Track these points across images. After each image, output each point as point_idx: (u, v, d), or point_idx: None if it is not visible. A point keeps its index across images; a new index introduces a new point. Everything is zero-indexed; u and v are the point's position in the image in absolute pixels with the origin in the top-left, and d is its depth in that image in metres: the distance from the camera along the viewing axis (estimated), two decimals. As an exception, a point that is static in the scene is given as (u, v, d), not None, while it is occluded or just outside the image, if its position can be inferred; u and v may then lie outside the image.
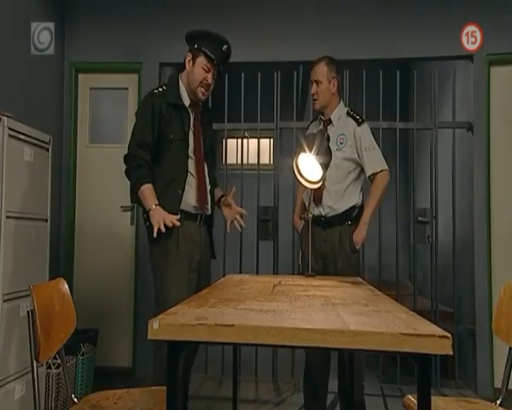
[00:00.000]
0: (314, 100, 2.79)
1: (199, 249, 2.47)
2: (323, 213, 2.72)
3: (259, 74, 3.79)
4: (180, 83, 2.51)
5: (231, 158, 4.51)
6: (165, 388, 1.24)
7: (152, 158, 2.41)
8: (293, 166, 2.44)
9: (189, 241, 2.42)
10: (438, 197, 3.74)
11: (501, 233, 3.61)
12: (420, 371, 1.08)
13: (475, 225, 3.62)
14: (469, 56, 3.68)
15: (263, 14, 3.90)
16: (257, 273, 3.70)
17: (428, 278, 3.97)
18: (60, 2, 3.87)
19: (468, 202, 3.72)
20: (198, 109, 2.55)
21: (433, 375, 3.55)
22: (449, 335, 1.04)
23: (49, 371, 2.82)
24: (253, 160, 5.28)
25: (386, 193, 2.73)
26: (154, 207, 2.30)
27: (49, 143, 2.80)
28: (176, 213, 2.33)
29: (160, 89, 2.49)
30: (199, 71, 2.45)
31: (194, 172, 2.46)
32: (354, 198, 2.73)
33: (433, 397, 1.16)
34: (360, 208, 2.74)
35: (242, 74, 3.80)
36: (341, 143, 2.71)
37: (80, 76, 4.03)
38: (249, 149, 5.63)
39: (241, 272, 3.64)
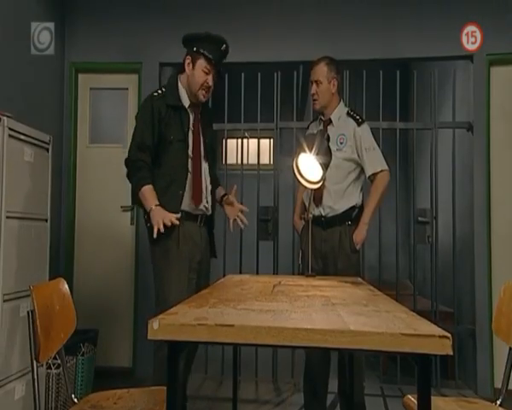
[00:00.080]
0: (314, 100, 2.79)
1: (199, 250, 2.48)
2: (323, 214, 2.72)
3: (259, 74, 3.79)
4: (179, 84, 2.52)
5: (231, 158, 4.51)
6: (165, 388, 1.24)
7: (152, 160, 2.42)
8: (293, 166, 2.45)
9: (189, 241, 2.42)
10: (438, 197, 3.74)
11: (501, 233, 3.61)
12: (420, 372, 1.08)
13: (475, 226, 3.62)
14: (469, 56, 3.68)
15: (263, 14, 3.90)
16: (257, 273, 3.70)
17: (428, 278, 3.97)
18: (60, 2, 3.87)
19: (468, 203, 3.72)
20: (198, 109, 2.55)
21: (433, 375, 3.55)
22: (449, 335, 1.04)
23: (49, 371, 2.82)
24: (253, 160, 5.28)
25: (386, 193, 2.73)
26: (153, 207, 2.31)
27: (49, 144, 2.80)
28: (176, 212, 2.34)
29: (160, 91, 2.50)
30: (199, 74, 2.46)
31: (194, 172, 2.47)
32: (354, 198, 2.73)
33: (433, 397, 1.16)
34: (360, 209, 2.74)
35: (242, 74, 3.80)
36: (341, 144, 2.71)
37: (80, 76, 4.03)
38: (249, 150, 5.63)
39: (241, 273, 3.63)
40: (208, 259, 2.61)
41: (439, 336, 1.04)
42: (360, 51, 3.80)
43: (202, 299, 1.55)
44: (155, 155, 2.43)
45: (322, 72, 2.73)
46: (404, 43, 3.78)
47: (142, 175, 2.38)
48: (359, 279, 2.36)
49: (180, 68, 2.55)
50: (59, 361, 2.71)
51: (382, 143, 3.45)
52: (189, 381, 2.62)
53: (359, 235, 2.67)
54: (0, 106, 2.59)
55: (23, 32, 3.31)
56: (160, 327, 1.15)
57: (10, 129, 2.38)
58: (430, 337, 1.04)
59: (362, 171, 2.75)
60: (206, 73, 2.46)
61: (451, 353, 1.04)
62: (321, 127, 2.80)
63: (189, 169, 2.45)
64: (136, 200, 2.44)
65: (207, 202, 2.53)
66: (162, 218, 2.27)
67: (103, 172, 3.94)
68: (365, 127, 2.73)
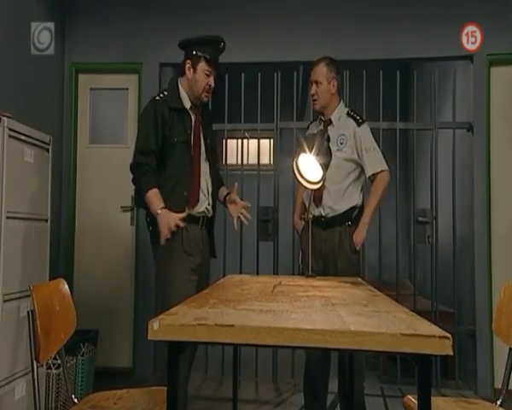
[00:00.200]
0: (314, 100, 2.79)
1: (200, 251, 2.49)
2: (323, 214, 2.72)
3: (259, 75, 3.79)
4: (180, 87, 2.53)
5: (231, 158, 4.51)
6: (165, 388, 1.24)
7: (157, 163, 2.43)
8: (293, 166, 2.44)
9: (191, 243, 2.43)
10: (438, 198, 3.74)
11: (501, 233, 3.61)
12: (420, 372, 1.08)
13: (475, 226, 3.62)
14: (469, 57, 3.68)
15: (263, 14, 3.90)
16: (257, 274, 3.70)
17: (428, 279, 3.97)
18: (60, 2, 3.87)
19: (469, 203, 3.72)
20: (198, 111, 2.56)
21: (433, 375, 3.55)
22: (449, 335, 1.04)
23: (49, 371, 2.82)
24: (253, 160, 5.28)
25: (386, 193, 2.73)
26: (159, 211, 2.33)
27: (49, 144, 2.80)
28: (182, 211, 2.35)
29: (162, 95, 2.51)
30: (202, 77, 2.48)
31: None
32: (354, 199, 2.73)
33: (433, 398, 1.16)
34: (360, 209, 2.74)
35: (242, 75, 3.80)
36: (341, 144, 2.71)
37: (80, 76, 4.03)
38: (249, 150, 5.64)
39: (241, 273, 3.63)
40: (208, 260, 2.61)
41: (440, 337, 1.04)
42: (360, 51, 3.80)
43: (202, 299, 1.55)
44: (160, 159, 2.44)
45: (321, 72, 2.73)
46: (404, 44, 3.78)
47: (148, 179, 2.39)
48: (359, 280, 2.36)
49: (180, 71, 2.56)
50: (59, 361, 2.71)
51: (382, 144, 3.45)
52: (189, 381, 2.62)
53: (359, 235, 2.67)
54: (0, 106, 2.60)
55: (23, 32, 3.31)
56: (160, 327, 1.15)
57: (10, 129, 2.38)
58: (430, 338, 1.04)
59: (362, 171, 2.74)
60: (208, 75, 2.48)
61: (451, 353, 1.04)
62: (321, 127, 2.80)
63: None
64: (140, 203, 2.45)
65: (209, 203, 2.53)
66: (168, 223, 2.30)
67: (103, 173, 3.95)
68: (365, 127, 2.73)
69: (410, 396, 1.84)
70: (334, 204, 2.70)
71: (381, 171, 2.68)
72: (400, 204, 3.88)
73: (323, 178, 2.39)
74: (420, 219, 3.74)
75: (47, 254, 2.78)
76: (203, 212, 2.50)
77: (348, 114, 2.76)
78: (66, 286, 1.89)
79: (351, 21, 3.83)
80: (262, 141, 4.17)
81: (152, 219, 2.43)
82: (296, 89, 3.97)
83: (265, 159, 6.34)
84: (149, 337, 1.15)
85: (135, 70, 3.94)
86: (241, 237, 3.78)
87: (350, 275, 2.52)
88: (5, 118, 2.34)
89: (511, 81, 3.67)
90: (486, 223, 3.60)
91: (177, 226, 2.31)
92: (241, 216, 2.59)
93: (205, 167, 2.54)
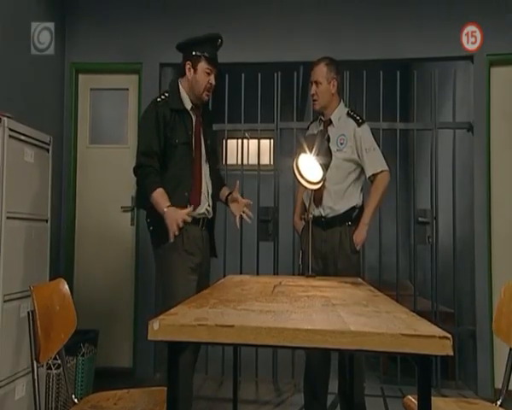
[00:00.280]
0: (314, 100, 2.79)
1: (200, 251, 2.49)
2: (324, 214, 2.72)
3: (260, 75, 3.79)
4: (180, 88, 2.53)
5: (231, 159, 4.51)
6: (165, 388, 1.24)
7: (160, 164, 2.43)
8: (293, 166, 2.44)
9: (192, 242, 2.43)
10: (438, 198, 3.74)
11: (501, 234, 3.60)
12: (420, 372, 1.07)
13: (476, 226, 3.62)
14: (470, 57, 3.68)
15: (263, 14, 3.90)
16: (257, 274, 3.70)
17: (429, 279, 3.97)
18: (60, 2, 3.87)
19: (469, 203, 3.72)
20: (199, 112, 2.57)
21: (433, 376, 3.55)
22: (449, 335, 1.04)
23: (49, 371, 2.82)
24: (253, 160, 5.28)
25: (386, 194, 2.72)
26: (166, 209, 2.32)
27: (49, 144, 2.80)
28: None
29: (163, 96, 2.52)
30: (202, 77, 2.48)
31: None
32: (354, 199, 2.73)
33: (433, 398, 1.16)
34: (360, 209, 2.74)
35: (242, 75, 3.80)
36: (341, 144, 2.70)
37: (81, 76, 4.03)
38: (249, 150, 5.64)
39: (241, 273, 3.63)
40: (209, 259, 2.62)
41: (440, 337, 1.04)
42: (360, 52, 3.80)
43: (202, 299, 1.54)
44: (162, 160, 2.44)
45: (321, 72, 2.73)
46: (404, 44, 3.78)
47: (152, 180, 2.39)
48: (359, 280, 2.36)
49: (180, 72, 2.56)
50: (59, 362, 2.71)
51: (382, 144, 3.44)
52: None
53: (359, 235, 2.67)
54: (0, 106, 2.60)
55: (23, 32, 3.31)
56: (160, 328, 1.15)
57: (10, 129, 2.38)
58: (430, 338, 1.04)
59: (362, 171, 2.74)
60: (209, 74, 2.49)
61: (452, 353, 1.03)
62: (321, 128, 2.80)
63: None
64: (141, 204, 2.45)
65: (209, 205, 2.53)
66: (176, 219, 2.28)
67: (103, 173, 3.95)
68: (365, 128, 2.73)
69: (410, 397, 1.84)
70: (335, 204, 2.70)
71: (381, 171, 2.68)
72: (400, 204, 3.88)
73: (323, 179, 2.39)
74: (420, 219, 3.74)
75: (47, 255, 2.78)
76: (203, 213, 2.50)
77: (348, 114, 2.76)
78: (67, 286, 1.89)
79: (351, 21, 3.83)
80: (262, 141, 4.17)
81: (152, 220, 2.43)
82: (296, 89, 3.97)
83: (265, 159, 6.35)
84: (149, 338, 1.15)
85: (135, 70, 3.94)
86: (241, 238, 3.78)
87: (350, 275, 2.52)
88: (5, 118, 2.34)
89: (511, 81, 3.66)
90: (487, 223, 3.60)
91: (185, 222, 2.31)
92: (244, 214, 2.58)
93: (205, 169, 2.54)
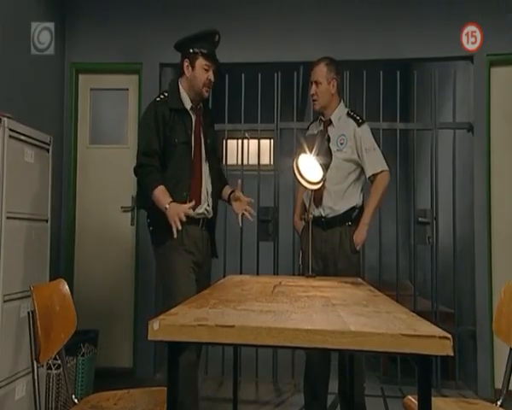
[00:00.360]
0: (314, 100, 2.79)
1: (199, 251, 2.49)
2: (324, 214, 2.72)
3: (260, 75, 3.78)
4: (180, 87, 2.53)
5: (232, 159, 4.51)
6: (165, 388, 1.24)
7: (160, 164, 2.43)
8: (293, 166, 2.44)
9: (191, 242, 2.43)
10: (438, 198, 3.74)
11: (501, 234, 3.60)
12: (420, 372, 1.07)
13: (476, 226, 3.62)
14: (470, 57, 3.68)
15: (263, 14, 3.90)
16: (257, 274, 3.69)
17: (429, 279, 3.97)
18: (60, 2, 3.87)
19: (469, 203, 3.72)
20: (199, 111, 2.56)
21: (433, 376, 3.55)
22: (449, 336, 1.04)
23: (49, 371, 2.82)
24: (253, 160, 5.28)
25: (386, 194, 2.72)
26: (167, 206, 2.31)
27: (49, 144, 2.80)
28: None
29: (162, 96, 2.52)
30: (201, 73, 2.47)
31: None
32: (354, 199, 2.73)
33: (433, 398, 1.16)
34: (360, 209, 2.74)
35: (243, 75, 3.80)
36: (341, 144, 2.70)
37: (81, 77, 4.03)
38: (249, 150, 5.64)
39: (241, 273, 3.63)
40: (209, 260, 2.61)
41: (440, 337, 1.04)
42: (360, 52, 3.80)
43: (202, 300, 1.54)
44: (162, 160, 2.43)
45: (321, 72, 2.73)
46: (404, 44, 3.78)
47: (153, 178, 2.39)
48: (359, 280, 2.36)
49: (179, 71, 2.56)
50: (59, 362, 2.70)
51: (382, 144, 3.44)
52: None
53: (359, 235, 2.67)
54: (0, 106, 2.60)
55: (23, 32, 3.31)
56: (160, 328, 1.14)
57: (11, 130, 2.38)
58: (430, 338, 1.04)
59: (362, 171, 2.74)
60: (207, 70, 2.48)
61: (452, 353, 1.03)
62: (321, 128, 2.80)
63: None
64: (142, 204, 2.45)
65: (208, 204, 2.52)
66: (178, 214, 2.26)
67: (103, 173, 3.95)
68: (365, 128, 2.73)
69: (410, 397, 1.84)
70: (335, 204, 2.70)
71: (381, 171, 2.68)
72: (400, 204, 3.88)
73: (323, 179, 2.39)
74: (420, 219, 3.74)
75: (47, 255, 2.78)
76: (202, 213, 2.49)
77: (348, 114, 2.76)
78: (67, 286, 1.89)
79: (351, 21, 3.83)
80: (262, 141, 4.17)
81: (153, 220, 2.43)
82: (296, 89, 3.97)
83: (266, 159, 6.35)
84: (149, 338, 1.15)
85: (135, 70, 3.94)
86: (241, 238, 3.77)
87: (350, 275, 2.52)
88: (5, 118, 2.34)
89: (511, 81, 3.66)
90: (487, 223, 3.60)
91: (187, 216, 2.28)
92: (246, 213, 2.57)
93: (205, 168, 2.54)
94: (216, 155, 2.69)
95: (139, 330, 3.76)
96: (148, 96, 2.99)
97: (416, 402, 1.70)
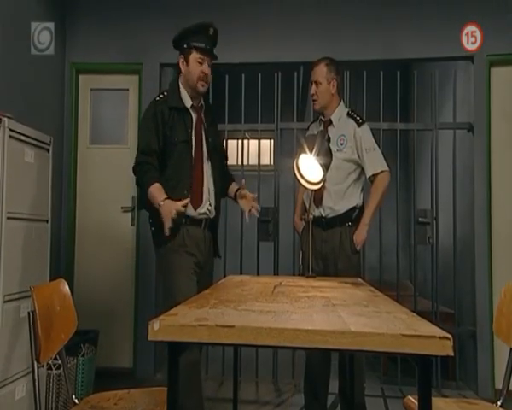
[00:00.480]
0: (314, 100, 2.79)
1: (201, 252, 2.47)
2: (324, 214, 2.72)
3: (260, 75, 3.78)
4: (180, 86, 2.52)
5: (232, 159, 4.47)
6: (165, 388, 1.24)
7: (159, 163, 2.42)
8: (293, 166, 2.44)
9: (193, 243, 2.42)
10: (438, 198, 3.74)
11: (502, 234, 3.60)
12: (420, 373, 1.07)
13: (476, 226, 3.62)
14: (470, 57, 3.68)
15: (263, 14, 3.90)
16: (257, 274, 3.69)
17: (429, 279, 3.97)
18: (60, 2, 3.87)
19: (469, 203, 3.72)
20: (200, 109, 2.55)
21: (433, 376, 3.55)
22: (449, 336, 1.04)
23: (49, 371, 2.81)
24: (253, 160, 5.28)
25: (386, 194, 2.72)
26: (161, 203, 2.29)
27: (49, 144, 2.80)
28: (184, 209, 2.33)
29: (161, 95, 2.51)
30: (194, 66, 2.46)
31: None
32: (354, 199, 2.73)
33: (433, 398, 1.16)
34: (360, 209, 2.74)
35: (243, 75, 3.80)
36: (342, 144, 2.70)
37: (81, 77, 4.03)
38: (250, 150, 5.63)
39: (241, 273, 3.63)
40: (212, 261, 2.60)
41: (440, 337, 1.04)
42: (360, 52, 3.80)
43: (203, 300, 1.54)
44: (162, 159, 2.42)
45: (321, 72, 2.74)
46: (404, 44, 3.78)
47: (150, 175, 2.38)
48: (360, 280, 2.36)
49: (179, 70, 2.56)
50: (59, 362, 2.70)
51: (383, 144, 3.44)
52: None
53: (360, 236, 2.67)
54: (0, 106, 2.60)
55: (23, 32, 3.31)
56: (160, 328, 1.14)
57: (11, 130, 2.38)
58: (431, 338, 1.04)
59: (362, 171, 2.74)
60: (201, 63, 2.46)
61: (452, 354, 1.03)
62: (321, 128, 2.80)
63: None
64: (144, 205, 2.43)
65: (210, 204, 2.50)
66: (170, 212, 2.24)
67: (104, 173, 3.95)
68: (365, 128, 2.73)
69: (410, 397, 1.84)
70: (335, 205, 2.70)
71: (382, 171, 2.68)
72: (401, 205, 3.87)
73: (324, 179, 2.39)
74: (420, 219, 3.74)
75: (47, 255, 2.78)
76: (204, 213, 2.47)
77: (348, 114, 2.76)
78: (67, 286, 1.89)
79: (351, 21, 3.83)
80: (262, 141, 4.17)
81: (154, 220, 2.42)
82: (296, 89, 3.97)
83: (266, 159, 6.34)
84: (150, 338, 1.15)
85: (135, 70, 3.94)
86: (241, 238, 3.77)
87: (350, 275, 2.52)
88: (5, 118, 2.34)
89: (511, 81, 3.66)
90: (487, 223, 3.60)
91: (179, 213, 2.25)
92: (253, 209, 2.53)
93: (207, 167, 2.51)
94: (218, 153, 2.66)
95: (139, 330, 3.76)
96: (149, 97, 2.98)
97: (416, 402, 1.70)
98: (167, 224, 2.25)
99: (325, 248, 2.72)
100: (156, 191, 2.33)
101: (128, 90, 4.02)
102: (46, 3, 3.63)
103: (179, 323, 1.16)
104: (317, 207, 2.73)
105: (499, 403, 1.84)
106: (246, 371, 3.74)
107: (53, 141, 2.83)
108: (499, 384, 2.48)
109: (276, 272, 3.80)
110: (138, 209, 2.54)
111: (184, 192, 2.39)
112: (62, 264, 3.86)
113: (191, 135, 2.46)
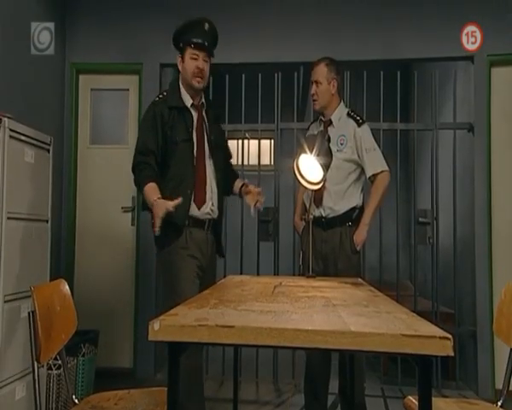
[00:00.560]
0: (314, 100, 2.79)
1: (203, 255, 2.45)
2: (324, 215, 2.72)
3: (260, 75, 3.78)
4: (180, 85, 2.52)
5: (232, 159, 4.50)
6: (165, 388, 1.24)
7: (160, 164, 2.41)
8: (293, 167, 2.44)
9: (195, 246, 2.41)
10: (439, 198, 3.74)
11: (502, 234, 3.60)
12: (421, 373, 1.07)
13: (476, 226, 3.62)
14: (470, 57, 3.68)
15: (263, 14, 3.90)
16: (257, 274, 3.69)
17: (429, 279, 3.97)
18: (60, 2, 3.88)
19: (469, 203, 3.72)
20: (201, 107, 2.55)
21: (433, 376, 3.55)
22: (450, 336, 1.04)
23: (49, 372, 2.81)
24: (253, 161, 5.26)
25: (386, 194, 2.72)
26: (153, 201, 2.25)
27: (49, 144, 2.80)
28: (185, 212, 2.33)
29: (161, 95, 2.51)
30: (189, 63, 2.46)
31: None
32: (355, 199, 2.73)
33: (433, 398, 1.16)
34: (361, 209, 2.74)
35: (243, 75, 3.80)
36: (342, 144, 2.70)
37: (81, 77, 4.03)
38: (250, 150, 5.61)
39: (241, 273, 3.63)
40: (214, 264, 2.59)
41: (440, 337, 1.04)
42: (360, 52, 3.80)
43: (203, 300, 1.54)
44: (163, 159, 2.41)
45: (321, 72, 2.74)
46: (404, 44, 3.78)
47: (146, 174, 2.36)
48: (360, 280, 2.36)
49: (178, 70, 2.56)
50: (60, 362, 2.71)
51: (383, 144, 3.44)
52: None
53: (360, 236, 2.67)
54: (0, 106, 2.60)
55: (23, 32, 3.31)
56: (160, 328, 1.14)
57: (11, 130, 2.38)
58: (431, 338, 1.04)
59: (362, 172, 2.74)
60: (195, 59, 2.46)
61: (452, 354, 1.03)
62: (321, 128, 2.80)
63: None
64: (146, 206, 2.41)
65: (213, 203, 2.48)
66: (160, 211, 2.19)
67: (104, 173, 3.95)
68: (365, 128, 2.73)
69: (410, 397, 1.84)
70: (335, 205, 2.70)
71: (382, 171, 2.68)
72: (401, 205, 3.87)
73: (324, 179, 2.38)
74: (420, 219, 3.74)
75: (47, 255, 2.78)
76: (208, 213, 2.45)
77: (348, 114, 2.76)
78: (67, 287, 1.89)
79: (351, 21, 3.83)
80: (262, 141, 4.16)
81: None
82: (297, 89, 3.97)
83: (266, 159, 6.34)
84: (150, 338, 1.15)
85: (135, 71, 3.94)
86: (241, 238, 3.77)
87: (350, 276, 2.52)
88: (5, 118, 2.34)
89: (511, 82, 3.66)
90: (487, 223, 3.60)
91: (168, 213, 2.19)
92: (258, 203, 2.49)
93: (209, 165, 2.49)
94: (222, 151, 2.64)
95: (139, 330, 3.76)
96: (149, 97, 2.99)
97: (416, 403, 1.70)
98: (157, 222, 2.21)
99: (325, 248, 2.72)
100: (150, 191, 2.31)
101: (128, 90, 4.02)
102: (46, 3, 3.63)
103: (179, 323, 1.16)
104: (317, 207, 2.73)
105: (499, 403, 1.84)
106: (246, 372, 3.74)
107: (53, 141, 2.83)
108: (499, 384, 2.48)
109: (276, 272, 3.80)
110: (142, 210, 2.53)
111: (187, 191, 2.38)
112: (62, 264, 3.86)
113: (192, 134, 2.45)
